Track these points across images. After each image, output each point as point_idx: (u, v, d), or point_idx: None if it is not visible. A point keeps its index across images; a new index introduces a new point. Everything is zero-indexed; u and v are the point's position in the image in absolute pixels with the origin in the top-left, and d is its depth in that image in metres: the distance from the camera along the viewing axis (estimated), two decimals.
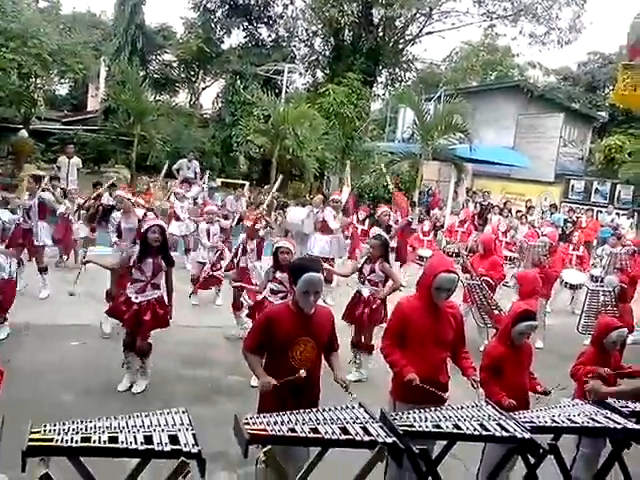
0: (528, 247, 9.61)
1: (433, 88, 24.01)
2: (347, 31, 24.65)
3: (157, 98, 23.47)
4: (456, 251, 11.07)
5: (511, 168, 19.53)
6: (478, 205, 17.68)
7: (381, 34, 25.04)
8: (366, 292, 6.52)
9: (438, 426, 3.25)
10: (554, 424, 3.56)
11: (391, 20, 24.55)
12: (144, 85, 16.07)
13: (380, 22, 24.91)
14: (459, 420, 3.32)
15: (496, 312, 7.29)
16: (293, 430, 3.03)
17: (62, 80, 32.00)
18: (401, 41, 26.56)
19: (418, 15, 25.40)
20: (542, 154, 20.05)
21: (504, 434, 3.26)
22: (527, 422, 3.47)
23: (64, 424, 2.83)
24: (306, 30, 27.16)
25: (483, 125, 17.99)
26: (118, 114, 19.91)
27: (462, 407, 3.51)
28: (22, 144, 18.43)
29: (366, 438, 3.03)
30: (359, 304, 6.53)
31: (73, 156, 14.57)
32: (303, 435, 3.01)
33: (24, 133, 18.94)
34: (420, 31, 26.73)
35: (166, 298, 5.78)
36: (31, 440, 2.67)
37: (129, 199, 7.55)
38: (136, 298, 5.64)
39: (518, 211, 17.03)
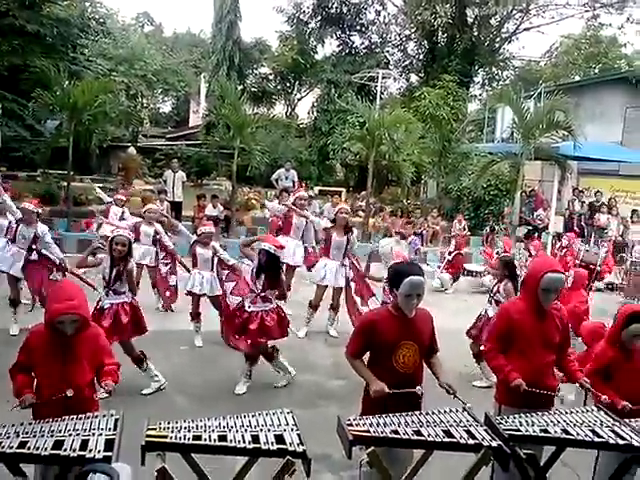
0: None
1: (532, 85, 23.21)
2: (441, 33, 24.34)
3: (255, 111, 24.10)
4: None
5: (619, 164, 18.49)
6: (585, 205, 16.90)
7: (476, 34, 24.54)
8: (491, 312, 6.39)
9: (546, 431, 3.16)
10: None
11: (486, 19, 24.03)
12: (242, 99, 16.48)
13: (475, 21, 24.43)
14: (568, 425, 3.21)
15: None
16: (396, 432, 3.04)
17: (165, 98, 33.84)
18: (497, 39, 25.95)
19: (514, 12, 24.72)
20: None
21: (619, 442, 3.11)
22: None
23: (177, 422, 3.00)
24: (399, 35, 27.10)
25: (587, 121, 17.17)
26: (218, 128, 20.64)
27: (571, 412, 3.38)
28: (131, 161, 19.53)
29: (471, 441, 2.99)
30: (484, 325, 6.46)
31: (178, 170, 15.23)
32: (406, 437, 3.01)
33: (132, 150, 20.09)
34: (517, 28, 26.02)
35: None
36: (148, 436, 2.85)
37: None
38: (248, 308, 5.98)
39: (634, 210, 16.12)
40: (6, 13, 16.94)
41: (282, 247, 6.29)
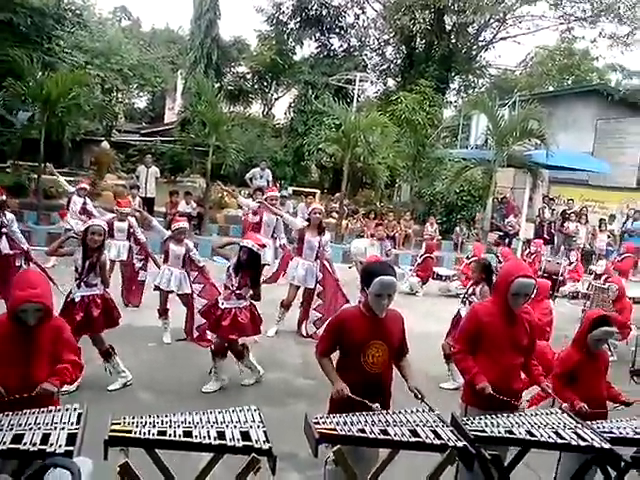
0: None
1: (507, 94, 23.51)
2: (419, 39, 24.49)
3: (231, 109, 24.02)
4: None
5: (589, 174, 18.83)
6: (556, 213, 17.19)
7: (454, 41, 24.74)
8: (464, 313, 6.38)
9: (511, 432, 3.19)
10: (637, 436, 3.41)
11: (464, 26, 24.22)
12: (219, 97, 16.41)
13: (452, 29, 24.62)
14: (533, 427, 3.25)
15: None
16: (363, 431, 3.05)
17: (141, 93, 33.52)
18: (474, 47, 26.20)
19: (492, 21, 24.99)
20: (624, 160, 19.23)
21: (581, 443, 3.16)
22: (606, 432, 3.35)
23: (142, 417, 2.96)
24: (377, 39, 27.22)
25: (560, 131, 17.44)
26: (194, 125, 20.48)
27: (536, 414, 3.42)
28: (104, 155, 19.24)
29: (436, 441, 3.01)
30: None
31: (151, 166, 15.10)
32: (372, 436, 3.02)
33: (106, 145, 19.80)
34: (494, 37, 26.30)
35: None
36: (112, 431, 2.80)
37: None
38: (222, 304, 5.94)
39: (602, 220, 16.42)
40: None
41: (264, 246, 6.32)
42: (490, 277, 6.36)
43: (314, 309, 7.86)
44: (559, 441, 3.15)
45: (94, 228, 5.54)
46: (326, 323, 4.19)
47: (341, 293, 7.84)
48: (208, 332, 6.54)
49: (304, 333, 7.94)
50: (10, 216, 7.75)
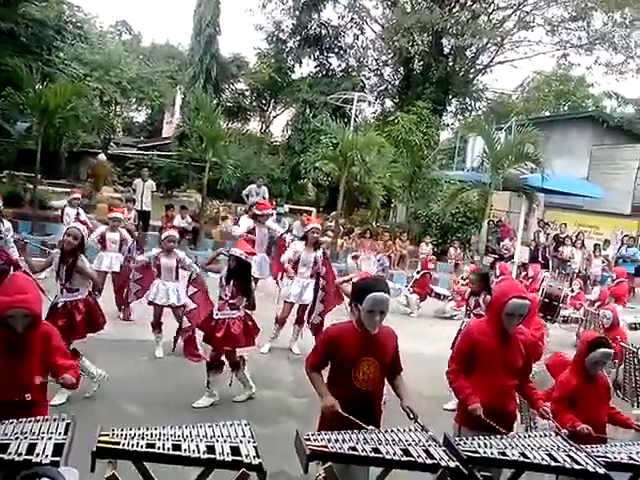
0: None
1: (504, 118, 23.71)
2: (417, 60, 24.73)
3: (229, 126, 24.11)
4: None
5: (584, 200, 18.95)
6: (550, 237, 17.25)
7: (451, 63, 25.03)
8: None
9: (504, 453, 3.15)
10: (632, 462, 3.35)
11: (462, 50, 24.52)
12: (217, 112, 16.43)
13: (450, 52, 24.93)
14: (526, 449, 3.21)
15: None
16: (354, 449, 3.00)
17: (140, 107, 33.59)
18: (472, 70, 26.49)
19: (489, 45, 25.32)
20: (618, 186, 19.35)
21: (575, 466, 3.12)
22: (601, 457, 3.30)
23: (131, 429, 2.91)
24: (376, 60, 27.48)
25: (555, 156, 17.57)
26: (191, 140, 20.54)
27: (529, 436, 3.38)
28: (100, 168, 19.20)
29: (428, 461, 2.96)
30: None
31: (148, 179, 15.05)
32: (364, 454, 2.97)
33: (103, 157, 19.78)
34: (491, 60, 26.62)
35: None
36: (100, 442, 2.75)
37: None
38: (216, 315, 5.90)
39: (596, 245, 16.45)
40: None
41: (253, 254, 6.26)
42: (489, 287, 6.34)
43: (320, 301, 7.65)
44: (553, 464, 3.11)
45: (69, 230, 5.52)
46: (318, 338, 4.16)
47: (337, 292, 7.67)
48: (199, 345, 6.46)
49: (296, 351, 7.87)
50: (7, 225, 7.73)
